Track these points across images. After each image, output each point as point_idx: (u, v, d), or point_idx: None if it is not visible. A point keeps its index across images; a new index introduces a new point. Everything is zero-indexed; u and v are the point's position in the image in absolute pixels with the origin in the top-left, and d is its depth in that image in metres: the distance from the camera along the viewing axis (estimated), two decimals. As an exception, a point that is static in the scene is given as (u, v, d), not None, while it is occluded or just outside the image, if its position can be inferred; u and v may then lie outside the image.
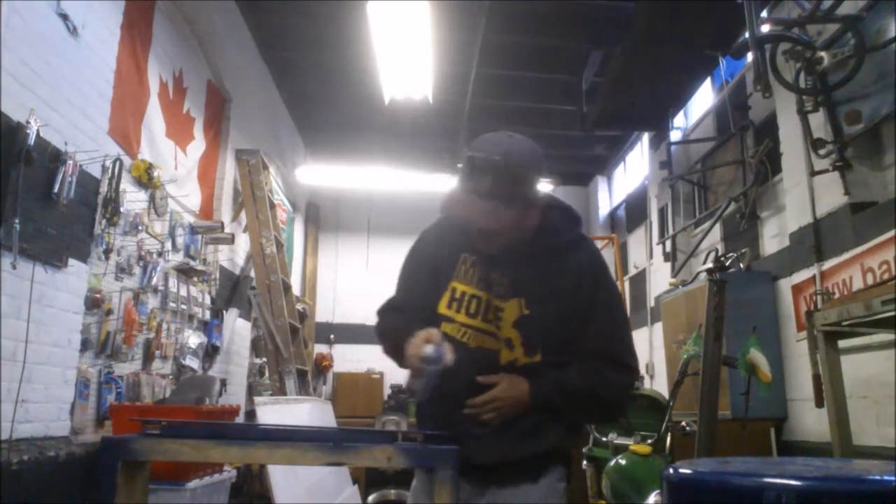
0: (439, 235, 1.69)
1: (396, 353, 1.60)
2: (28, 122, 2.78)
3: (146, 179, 3.99)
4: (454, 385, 1.54)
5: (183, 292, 4.55)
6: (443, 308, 1.60)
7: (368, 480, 6.41)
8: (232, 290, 5.74)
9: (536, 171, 1.51)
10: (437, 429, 1.45)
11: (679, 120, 7.27)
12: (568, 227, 1.63)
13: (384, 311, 1.73)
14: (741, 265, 5.25)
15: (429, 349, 1.42)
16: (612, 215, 10.01)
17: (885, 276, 3.55)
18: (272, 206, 6.03)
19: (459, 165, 1.52)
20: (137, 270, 3.95)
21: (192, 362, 4.65)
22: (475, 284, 1.59)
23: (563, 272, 1.57)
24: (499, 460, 1.53)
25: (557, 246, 1.58)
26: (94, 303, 3.42)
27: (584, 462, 3.29)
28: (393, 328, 1.65)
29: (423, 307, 1.62)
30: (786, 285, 4.78)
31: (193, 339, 4.70)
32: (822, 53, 3.77)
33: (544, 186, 9.51)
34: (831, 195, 4.20)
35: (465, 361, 1.53)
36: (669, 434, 2.97)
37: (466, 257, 1.61)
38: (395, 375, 8.56)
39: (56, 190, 2.97)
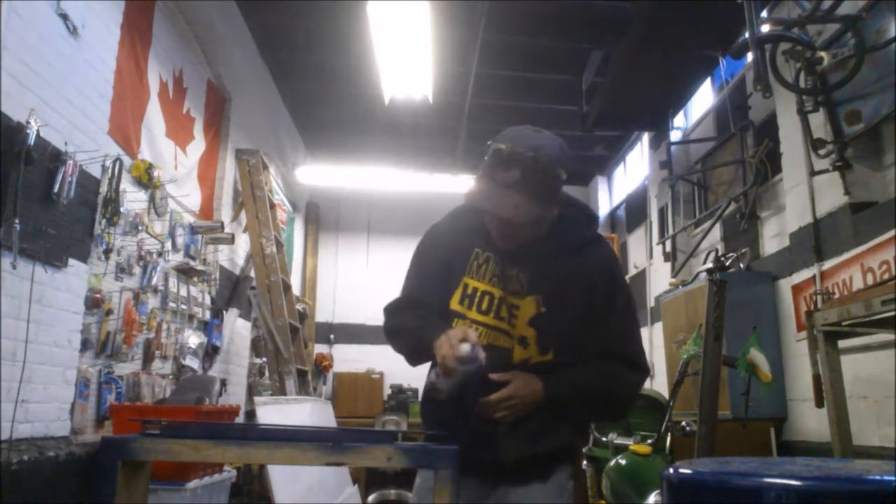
0: (451, 230, 1.66)
1: (414, 352, 1.58)
2: (28, 122, 2.78)
3: (146, 179, 3.99)
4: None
5: (183, 292, 4.55)
6: (454, 304, 1.58)
7: (368, 480, 6.42)
8: (232, 290, 5.73)
9: (563, 168, 1.49)
10: (444, 427, 1.42)
11: (679, 120, 7.26)
12: (585, 226, 1.62)
13: (395, 309, 1.68)
14: (741, 265, 5.25)
15: (465, 348, 1.37)
16: (612, 215, 10.01)
17: (885, 276, 3.55)
18: (272, 206, 6.03)
19: (485, 157, 1.48)
20: (137, 270, 3.95)
21: (192, 362, 4.65)
22: (488, 281, 1.57)
23: (579, 271, 1.55)
24: (510, 459, 1.51)
25: (574, 244, 1.58)
26: (94, 303, 3.42)
27: (584, 462, 3.29)
28: (412, 326, 1.60)
29: (439, 303, 1.60)
30: (786, 285, 4.78)
31: (193, 339, 4.70)
32: (822, 53, 3.77)
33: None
34: (831, 195, 4.20)
35: None
36: (669, 434, 2.96)
37: (479, 253, 1.59)
38: (395, 375, 8.55)
39: (56, 190, 2.97)
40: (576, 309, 1.53)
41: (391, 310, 1.69)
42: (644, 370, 1.59)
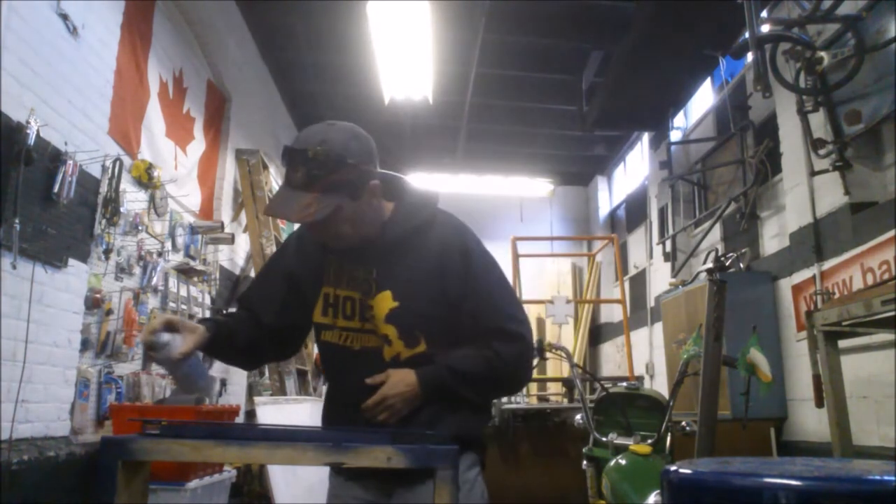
0: (301, 242, 1.62)
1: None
2: (28, 122, 2.78)
3: (146, 179, 3.99)
4: (346, 390, 1.51)
5: (183, 292, 4.55)
6: (318, 316, 1.54)
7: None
8: (232, 290, 5.74)
9: (356, 156, 1.41)
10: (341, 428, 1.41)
11: (679, 120, 7.27)
12: (422, 206, 1.54)
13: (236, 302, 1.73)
14: (741, 265, 5.25)
15: (156, 336, 1.39)
16: (612, 215, 10.01)
17: (885, 276, 3.55)
18: (272, 206, 6.02)
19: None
20: (137, 270, 3.95)
21: (192, 362, 4.64)
22: (345, 285, 1.52)
23: (426, 254, 1.49)
24: None
25: (413, 228, 1.50)
26: (94, 303, 3.42)
27: (584, 462, 3.29)
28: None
29: (259, 311, 1.59)
30: (786, 285, 4.78)
31: (193, 339, 4.69)
32: (822, 53, 3.77)
33: (539, 187, 9.53)
34: (831, 195, 4.20)
35: (352, 365, 1.49)
36: (669, 434, 2.96)
37: (332, 259, 1.54)
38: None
39: (56, 190, 2.97)
40: (430, 294, 1.47)
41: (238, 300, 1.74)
42: (520, 337, 1.49)
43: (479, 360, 1.47)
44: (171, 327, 1.42)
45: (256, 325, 1.59)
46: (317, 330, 1.57)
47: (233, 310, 1.72)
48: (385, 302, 1.47)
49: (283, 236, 6.59)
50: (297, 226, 1.67)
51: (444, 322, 1.48)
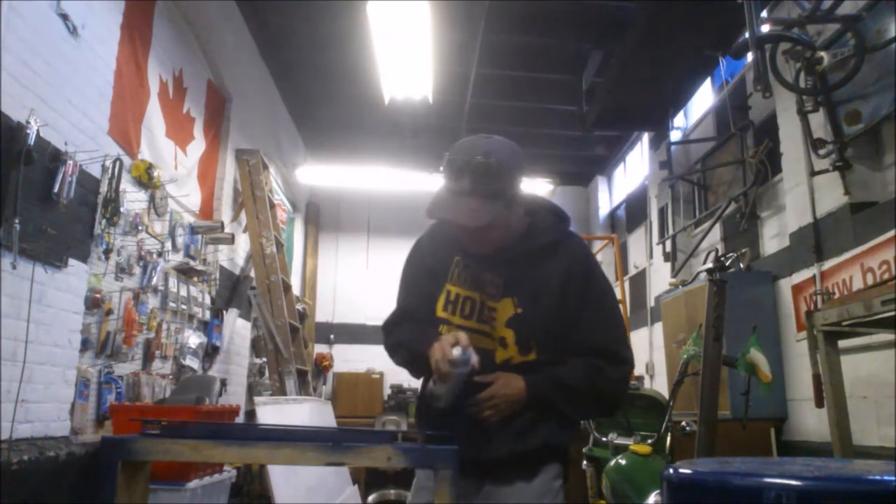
0: (433, 240, 1.73)
1: (414, 364, 1.64)
2: (28, 122, 2.78)
3: (146, 179, 3.99)
4: None
5: (183, 292, 4.55)
6: (440, 311, 1.62)
7: (368, 480, 6.42)
8: (232, 290, 5.73)
9: (515, 168, 1.53)
10: (437, 428, 1.45)
11: (679, 120, 7.27)
12: (556, 226, 1.66)
13: (391, 326, 1.74)
14: (741, 265, 5.25)
15: (457, 352, 1.42)
16: (612, 215, 10.01)
17: (885, 276, 3.55)
18: (272, 206, 6.03)
19: (441, 169, 1.56)
20: (137, 270, 3.95)
21: (192, 362, 4.65)
22: (468, 286, 1.61)
23: (552, 270, 1.59)
24: (493, 457, 1.53)
25: (546, 244, 1.61)
26: (94, 303, 3.42)
27: (584, 462, 3.29)
28: (407, 339, 1.66)
29: (429, 314, 1.64)
30: (786, 285, 4.78)
31: (193, 339, 4.70)
32: (822, 53, 3.77)
33: (539, 187, 9.54)
34: (831, 195, 4.20)
35: None
36: (669, 434, 2.97)
37: (459, 260, 1.63)
38: (396, 376, 8.56)
39: (56, 190, 2.97)
40: (551, 308, 1.56)
41: (388, 327, 1.75)
42: (626, 362, 1.61)
43: (584, 377, 1.56)
44: (467, 344, 1.47)
45: (430, 328, 1.65)
46: (435, 324, 1.64)
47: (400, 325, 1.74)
48: (508, 307, 1.57)
49: (283, 237, 6.60)
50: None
51: (558, 336, 1.57)
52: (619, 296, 5.91)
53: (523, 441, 1.53)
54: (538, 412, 1.54)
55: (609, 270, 9.57)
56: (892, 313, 2.77)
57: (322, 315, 9.36)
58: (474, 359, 1.45)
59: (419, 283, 1.70)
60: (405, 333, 1.69)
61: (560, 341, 1.57)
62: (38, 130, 2.82)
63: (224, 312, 5.41)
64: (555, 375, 1.55)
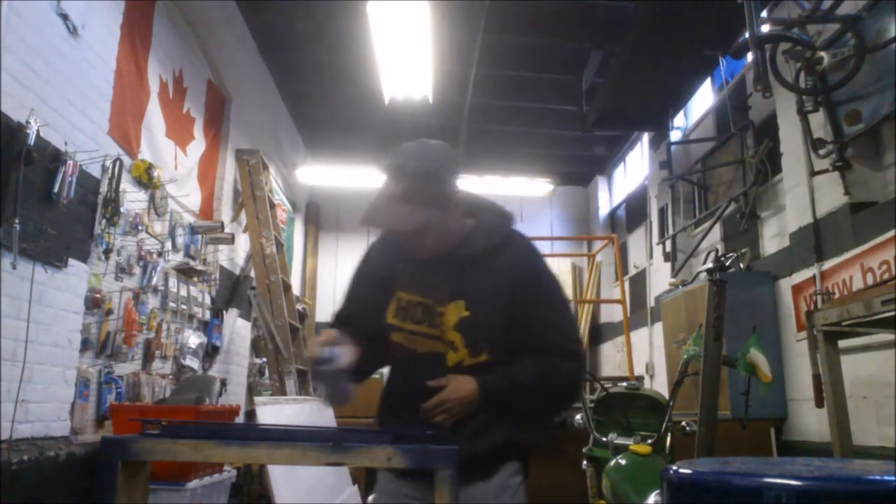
0: (383, 247, 1.74)
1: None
2: (28, 122, 2.78)
3: (146, 179, 3.99)
4: (407, 389, 1.60)
5: (183, 292, 4.55)
6: (390, 318, 1.63)
7: (368, 480, 6.41)
8: (232, 290, 5.73)
9: (446, 173, 1.55)
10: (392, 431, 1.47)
11: (679, 120, 7.27)
12: (500, 226, 1.66)
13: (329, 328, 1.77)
14: (741, 265, 5.25)
15: (323, 351, 1.48)
16: (612, 215, 10.01)
17: (885, 276, 3.55)
18: (272, 206, 6.03)
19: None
20: (137, 270, 3.95)
21: (192, 362, 4.65)
22: (418, 291, 1.62)
23: (499, 270, 1.60)
24: None
25: (490, 245, 1.61)
26: (94, 303, 3.42)
27: (584, 462, 3.29)
28: None
29: (366, 320, 1.66)
30: (786, 285, 4.78)
31: (193, 339, 4.70)
32: (822, 53, 3.77)
33: (538, 187, 9.54)
34: (831, 195, 4.20)
35: (415, 367, 1.59)
36: (669, 434, 2.96)
37: (407, 266, 1.64)
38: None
39: (56, 190, 2.97)
40: (500, 309, 1.57)
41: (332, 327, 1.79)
42: (577, 357, 1.62)
43: (537, 374, 1.57)
44: (333, 342, 1.52)
45: (365, 336, 1.67)
46: (387, 331, 1.66)
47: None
48: (457, 310, 1.57)
49: (283, 237, 6.60)
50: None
51: (508, 335, 1.58)
52: (618, 296, 5.90)
53: (479, 441, 1.54)
54: (494, 412, 1.56)
55: (609, 270, 9.58)
56: (892, 313, 2.77)
57: (322, 315, 9.35)
58: (344, 358, 1.49)
59: (361, 290, 1.74)
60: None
61: (511, 341, 1.58)
62: (38, 130, 2.82)
63: (224, 312, 5.41)
64: (507, 375, 1.56)
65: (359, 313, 1.70)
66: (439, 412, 1.52)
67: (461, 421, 1.53)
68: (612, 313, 9.27)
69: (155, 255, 4.12)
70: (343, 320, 1.72)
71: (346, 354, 1.51)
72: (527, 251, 1.66)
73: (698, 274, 5.79)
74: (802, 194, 4.51)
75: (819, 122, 4.19)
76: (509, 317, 1.57)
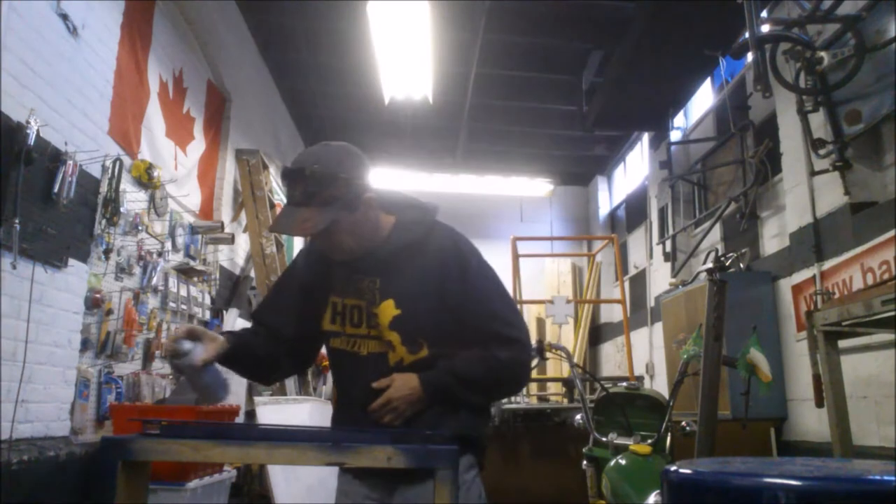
0: (310, 254, 1.71)
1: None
2: (28, 122, 2.78)
3: (146, 179, 3.99)
4: (355, 393, 1.59)
5: (183, 292, 4.55)
6: (327, 324, 1.63)
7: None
8: (232, 290, 5.74)
9: (349, 172, 1.51)
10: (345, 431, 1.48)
11: (679, 120, 7.27)
12: (421, 219, 1.64)
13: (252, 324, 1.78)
14: (741, 265, 5.25)
15: (178, 344, 1.45)
16: (612, 215, 10.01)
17: (885, 276, 3.55)
18: (272, 206, 6.03)
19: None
20: (137, 270, 3.95)
21: (192, 362, 4.64)
22: (352, 295, 1.61)
23: (425, 265, 1.58)
24: None
25: (413, 240, 1.60)
26: (94, 303, 3.42)
27: (584, 462, 3.29)
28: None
29: (288, 327, 1.66)
30: (786, 285, 4.78)
31: (193, 339, 4.69)
32: (822, 53, 3.77)
33: (538, 187, 9.53)
34: (831, 195, 4.20)
35: (360, 369, 1.58)
36: (669, 434, 2.96)
37: (338, 271, 1.63)
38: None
39: (56, 190, 2.97)
40: (431, 303, 1.55)
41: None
42: (517, 342, 1.59)
43: (479, 364, 1.55)
44: (193, 336, 1.49)
45: (274, 338, 1.66)
46: (326, 338, 1.66)
47: (247, 326, 1.79)
48: (388, 310, 1.56)
49: (283, 238, 6.59)
50: (298, 239, 1.73)
51: (445, 328, 1.57)
52: (618, 296, 5.89)
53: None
54: (442, 406, 1.54)
55: (609, 270, 9.58)
56: (892, 313, 2.77)
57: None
58: (196, 355, 1.45)
59: (283, 295, 1.72)
60: (238, 336, 1.72)
61: (449, 334, 1.56)
62: (38, 130, 2.82)
63: (224, 312, 5.41)
64: (449, 368, 1.54)
65: (267, 317, 1.69)
66: (386, 412, 1.51)
67: (410, 419, 1.53)
68: (612, 313, 9.27)
69: (155, 255, 4.12)
70: (259, 319, 1.71)
71: (202, 349, 1.47)
72: (451, 242, 1.63)
73: (698, 274, 5.79)
74: (802, 194, 4.51)
75: (819, 122, 4.19)
76: (442, 310, 1.55)
